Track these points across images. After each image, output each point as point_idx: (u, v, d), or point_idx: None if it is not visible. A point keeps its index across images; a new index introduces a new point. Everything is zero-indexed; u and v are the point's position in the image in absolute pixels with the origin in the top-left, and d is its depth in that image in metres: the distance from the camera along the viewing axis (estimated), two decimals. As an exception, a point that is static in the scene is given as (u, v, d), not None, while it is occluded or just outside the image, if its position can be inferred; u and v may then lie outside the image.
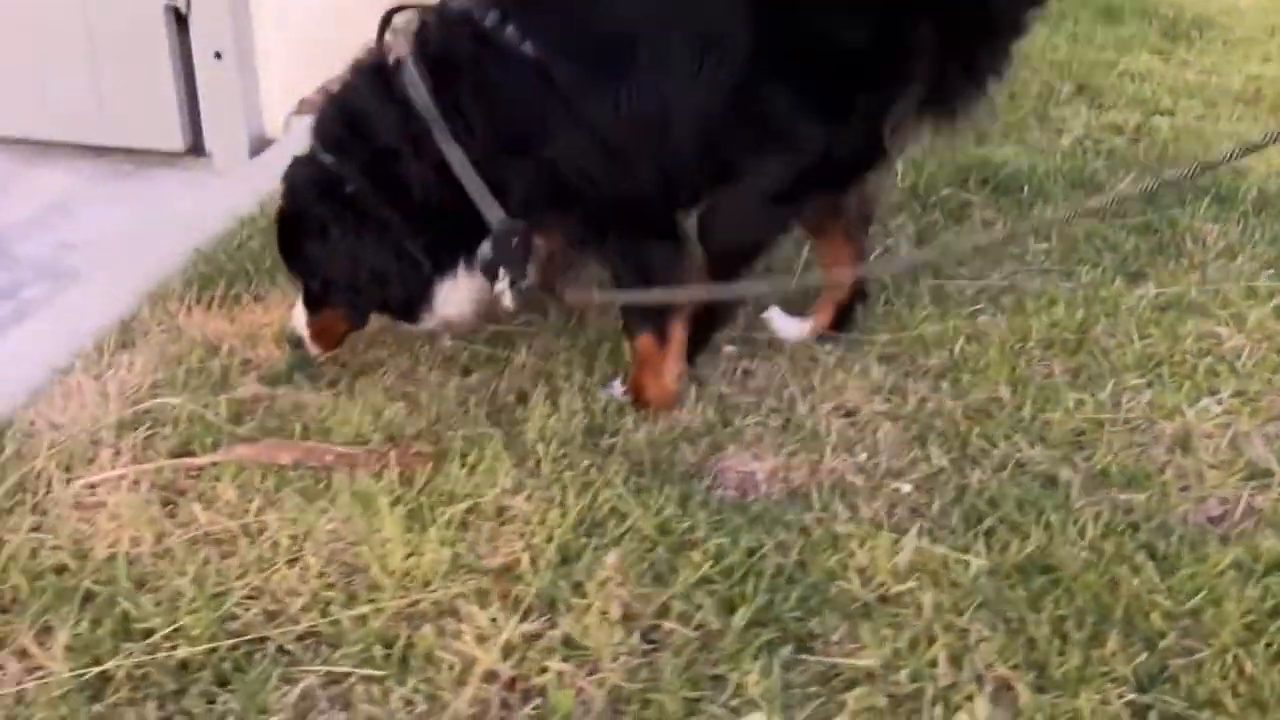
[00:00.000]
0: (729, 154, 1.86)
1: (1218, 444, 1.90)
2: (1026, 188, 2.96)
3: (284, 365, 2.01)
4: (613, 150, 1.78)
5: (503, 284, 1.87)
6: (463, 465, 1.75)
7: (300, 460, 1.72)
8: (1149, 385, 2.06)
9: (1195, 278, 2.49)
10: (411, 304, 1.93)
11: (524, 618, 1.48)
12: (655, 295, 1.89)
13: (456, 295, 1.92)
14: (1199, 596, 1.52)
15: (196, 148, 3.43)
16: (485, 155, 1.78)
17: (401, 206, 1.82)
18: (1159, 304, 2.37)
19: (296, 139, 3.36)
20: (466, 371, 2.07)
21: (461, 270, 1.90)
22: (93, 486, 1.69)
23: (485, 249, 1.87)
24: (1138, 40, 4.60)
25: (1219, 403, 2.01)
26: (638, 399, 1.96)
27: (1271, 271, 2.52)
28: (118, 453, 1.76)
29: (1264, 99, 3.84)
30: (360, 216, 1.83)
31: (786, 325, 2.24)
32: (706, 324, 2.05)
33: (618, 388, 2.00)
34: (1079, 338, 2.22)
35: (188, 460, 1.74)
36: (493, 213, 1.80)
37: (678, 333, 1.94)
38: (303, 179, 1.90)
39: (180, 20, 3.25)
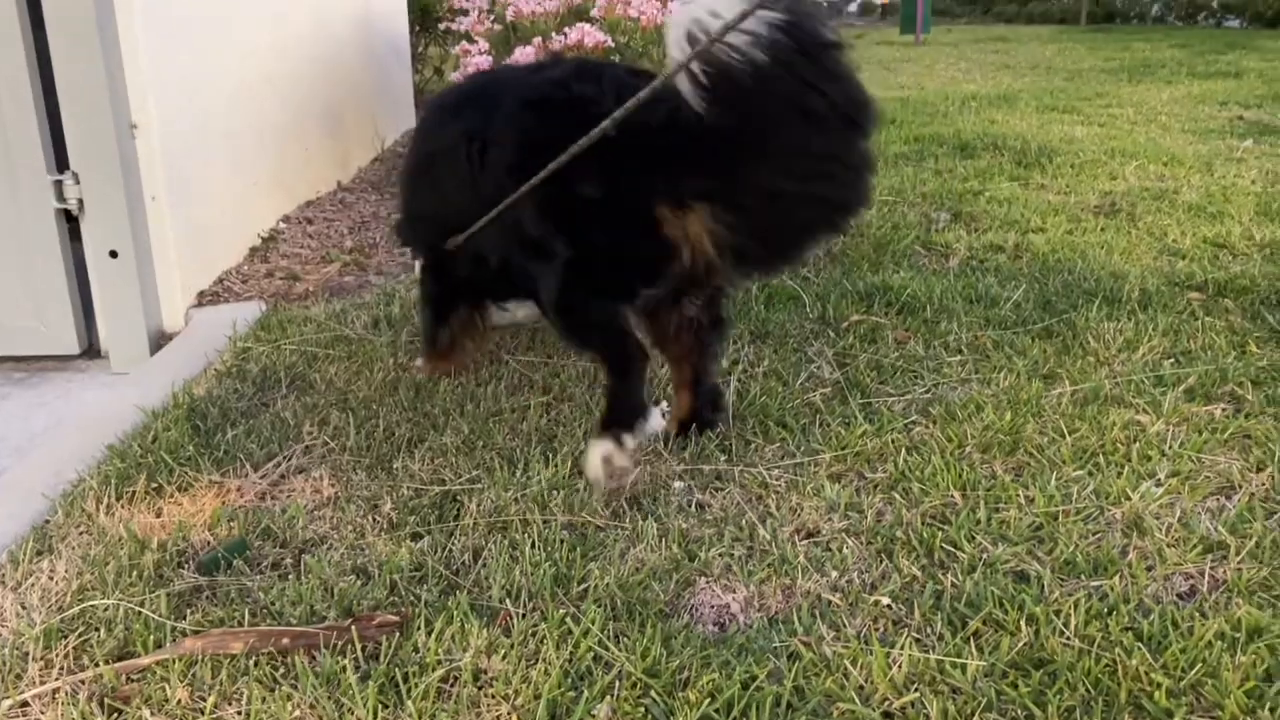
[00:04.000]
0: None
1: (1168, 523, 1.94)
2: (929, 307, 3.09)
3: (221, 552, 1.89)
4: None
5: None
6: (429, 632, 1.65)
7: (254, 647, 1.60)
8: (1090, 475, 2.12)
9: (1105, 372, 2.60)
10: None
11: (521, 785, 1.38)
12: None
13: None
14: (1195, 671, 1.52)
15: (92, 349, 3.32)
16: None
17: None
18: (1077, 400, 2.47)
19: (199, 332, 3.32)
20: (415, 536, 1.98)
21: None
22: (24, 705, 1.53)
23: None
24: (995, 170, 4.95)
25: (1159, 484, 2.07)
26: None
27: (1172, 360, 2.66)
28: (48, 665, 1.61)
29: (1121, 210, 4.14)
30: None
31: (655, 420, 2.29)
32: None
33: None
34: (1013, 438, 2.28)
35: (129, 663, 1.60)
36: None
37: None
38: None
39: (71, 220, 3.20)
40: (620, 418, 2.17)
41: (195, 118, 3.66)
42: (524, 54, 4.09)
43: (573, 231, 2.09)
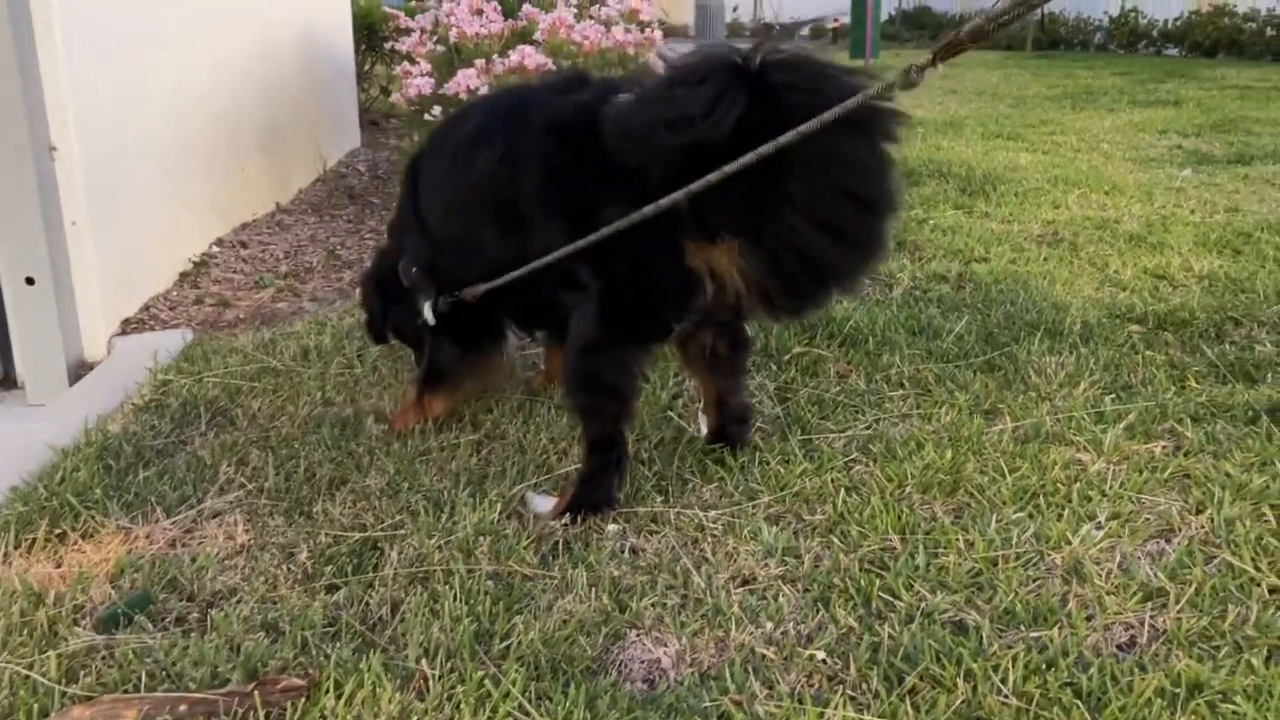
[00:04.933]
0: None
1: (1108, 569, 1.90)
2: (871, 339, 3.05)
3: (121, 607, 1.78)
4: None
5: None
6: (339, 696, 1.56)
7: (149, 715, 1.50)
8: (1030, 517, 2.07)
9: (1046, 408, 2.57)
10: None
11: None
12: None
13: None
14: (1134, 730, 1.47)
15: (9, 379, 3.18)
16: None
17: None
18: (1018, 437, 2.43)
19: (121, 362, 3.19)
20: (331, 589, 1.89)
21: None
22: (-110, 783, 1.41)
23: None
24: (940, 198, 4.95)
25: (1099, 527, 2.03)
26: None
27: (1113, 395, 2.64)
28: (-79, 737, 1.50)
29: (1064, 240, 4.15)
30: None
31: (542, 503, 2.19)
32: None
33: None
34: (953, 478, 2.23)
35: (10, 734, 1.49)
36: None
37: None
38: None
39: (-15, 247, 3.06)
40: (588, 501, 2.14)
41: (121, 139, 3.53)
42: (466, 76, 4.02)
43: (598, 260, 2.02)
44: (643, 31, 4.34)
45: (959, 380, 2.78)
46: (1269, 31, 13.73)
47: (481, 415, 2.60)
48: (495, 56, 4.06)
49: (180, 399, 2.77)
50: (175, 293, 3.97)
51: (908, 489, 2.21)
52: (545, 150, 2.09)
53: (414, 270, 2.50)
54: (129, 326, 3.54)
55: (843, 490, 2.20)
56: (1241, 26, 14.17)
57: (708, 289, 2.01)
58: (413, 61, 4.33)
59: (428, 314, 2.44)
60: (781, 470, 2.30)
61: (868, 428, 2.54)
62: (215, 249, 4.50)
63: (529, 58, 3.71)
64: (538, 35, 4.04)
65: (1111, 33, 16.89)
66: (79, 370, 3.19)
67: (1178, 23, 15.37)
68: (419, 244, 2.47)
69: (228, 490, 2.25)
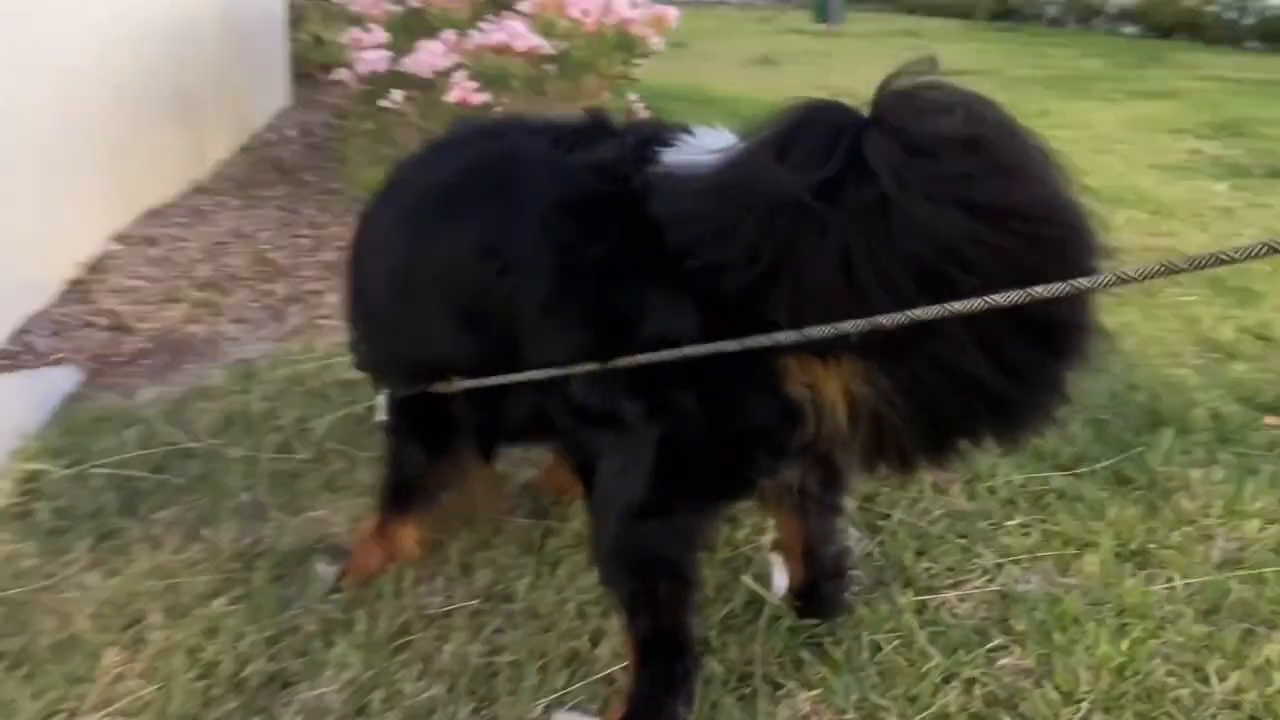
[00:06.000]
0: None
1: None
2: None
3: None
4: None
5: None
6: None
7: None
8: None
9: (1217, 554, 1.98)
10: None
11: None
12: None
13: None
14: None
15: None
16: None
17: None
18: (1199, 607, 1.83)
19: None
20: None
21: None
22: None
23: None
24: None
25: None
26: None
27: (1295, 537, 2.05)
28: None
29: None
30: None
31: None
32: None
33: None
34: (1140, 685, 1.62)
35: None
36: None
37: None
38: None
39: None
40: None
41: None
42: (431, 51, 3.25)
43: (650, 391, 1.39)
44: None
45: (1086, 499, 2.17)
46: (1228, 16, 13.42)
47: (476, 556, 1.91)
48: (468, 29, 3.29)
49: (54, 505, 2.02)
50: (59, 310, 3.16)
51: (1083, 707, 1.59)
52: (560, 242, 1.42)
53: (363, 349, 1.82)
54: (-6, 364, 2.75)
55: (1000, 711, 1.58)
56: (1201, 10, 13.85)
57: (808, 423, 1.37)
58: (365, 27, 3.52)
59: (381, 409, 1.77)
60: (903, 663, 1.67)
61: (989, 578, 1.93)
62: (115, 246, 3.68)
63: (518, 37, 2.96)
64: (524, 6, 3.27)
65: (1068, 7, 16.49)
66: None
67: (1139, 1, 15.02)
68: (361, 324, 1.79)
69: (112, 701, 1.53)
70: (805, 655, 1.69)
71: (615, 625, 1.70)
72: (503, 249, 1.47)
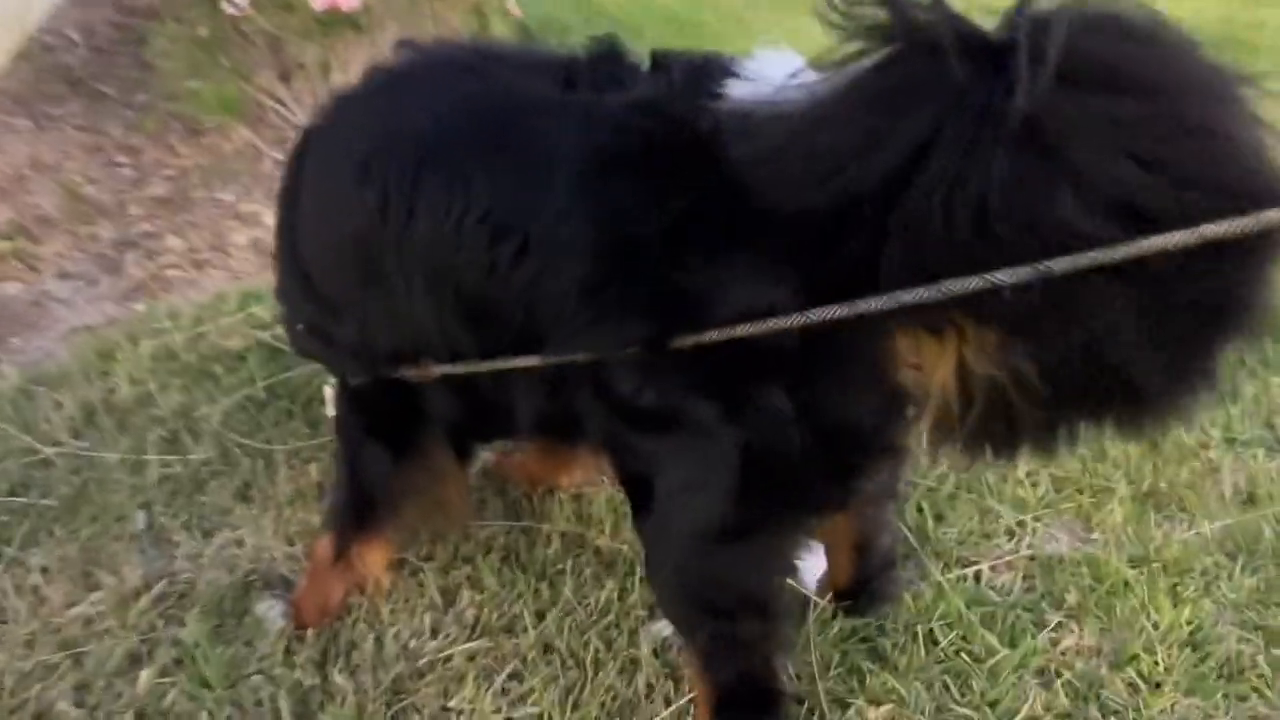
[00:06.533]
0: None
1: None
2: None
3: None
4: None
5: None
6: None
7: None
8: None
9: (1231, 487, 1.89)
10: None
11: None
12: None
13: None
14: None
15: None
16: None
17: None
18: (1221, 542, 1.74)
19: None
20: None
21: None
22: None
23: None
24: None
25: None
26: None
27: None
28: None
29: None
30: None
31: None
32: None
33: None
34: (1195, 650, 1.50)
35: None
36: None
37: None
38: None
39: None
40: None
41: None
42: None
43: (726, 388, 1.11)
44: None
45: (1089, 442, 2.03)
46: None
47: (450, 577, 1.58)
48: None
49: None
50: None
51: (1169, 693, 1.45)
52: (609, 211, 1.11)
53: (299, 329, 1.44)
54: None
55: (1086, 705, 1.42)
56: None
57: (912, 414, 1.15)
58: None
59: (330, 404, 1.43)
60: (968, 660, 1.49)
61: (1016, 540, 1.77)
62: (-121, 186, 3.00)
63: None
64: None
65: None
66: None
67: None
68: (299, 298, 1.40)
69: None
70: (864, 663, 1.48)
71: (649, 656, 1.43)
72: (519, 225, 1.13)
